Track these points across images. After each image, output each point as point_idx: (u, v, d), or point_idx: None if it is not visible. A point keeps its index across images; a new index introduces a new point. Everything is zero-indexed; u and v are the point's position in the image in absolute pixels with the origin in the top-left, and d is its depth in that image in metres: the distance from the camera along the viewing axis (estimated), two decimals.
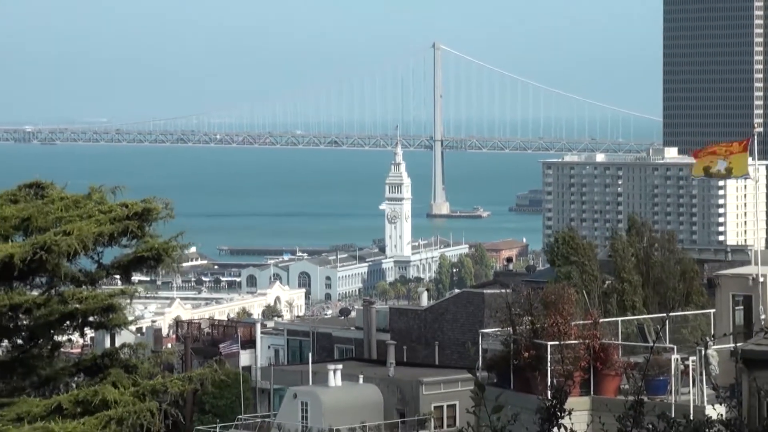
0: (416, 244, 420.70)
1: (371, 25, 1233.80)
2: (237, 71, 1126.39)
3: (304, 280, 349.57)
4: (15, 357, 25.35)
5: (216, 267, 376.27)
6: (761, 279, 47.02)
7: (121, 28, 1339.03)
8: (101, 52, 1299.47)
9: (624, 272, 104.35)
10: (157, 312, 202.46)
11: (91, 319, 25.76)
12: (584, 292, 75.11)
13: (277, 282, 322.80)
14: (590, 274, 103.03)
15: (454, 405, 73.70)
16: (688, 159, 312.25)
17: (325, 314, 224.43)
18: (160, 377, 24.73)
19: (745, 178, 52.32)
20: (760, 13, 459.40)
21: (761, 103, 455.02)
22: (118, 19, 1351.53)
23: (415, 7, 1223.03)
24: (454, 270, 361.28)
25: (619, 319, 53.51)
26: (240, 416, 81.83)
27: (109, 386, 23.71)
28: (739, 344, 40.71)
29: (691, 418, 12.32)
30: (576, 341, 45.36)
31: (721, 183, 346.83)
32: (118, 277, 26.26)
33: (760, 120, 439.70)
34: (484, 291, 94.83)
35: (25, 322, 24.99)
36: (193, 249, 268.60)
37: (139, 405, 23.06)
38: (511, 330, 46.74)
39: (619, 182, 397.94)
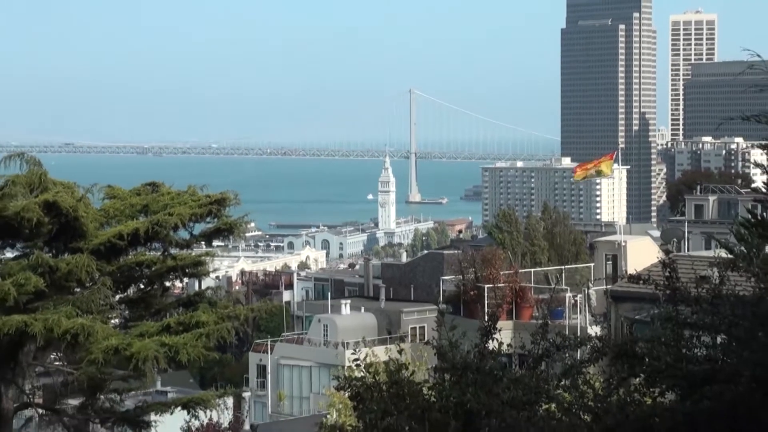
0: (399, 221, 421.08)
1: (368, 76, 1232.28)
2: (277, 107, 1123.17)
3: (325, 245, 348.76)
4: (139, 296, 25.40)
5: (268, 236, 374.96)
6: (623, 244, 47.28)
7: (200, 74, 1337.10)
8: (190, 90, 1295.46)
9: (535, 239, 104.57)
10: (229, 266, 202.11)
11: (187, 270, 25.79)
12: (508, 252, 75.06)
13: (308, 246, 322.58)
14: (516, 240, 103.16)
15: (424, 326, 73.73)
16: (575, 165, 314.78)
17: (339, 267, 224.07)
18: (233, 307, 24.79)
19: (611, 178, 52.95)
20: (622, 68, 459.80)
21: (623, 127, 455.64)
22: (203, 68, 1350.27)
23: (398, 65, 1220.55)
24: (424, 238, 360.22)
25: (532, 270, 53.64)
26: (284, 333, 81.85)
27: (200, 313, 23.78)
28: (608, 286, 40.88)
29: (578, 335, 12.41)
30: (503, 284, 45.52)
31: (598, 181, 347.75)
32: (203, 243, 26.26)
33: (622, 138, 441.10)
34: (444, 252, 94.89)
35: (146, 273, 25.04)
36: (252, 224, 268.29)
37: (220, 324, 23.12)
38: (461, 277, 46.88)
39: (532, 181, 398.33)
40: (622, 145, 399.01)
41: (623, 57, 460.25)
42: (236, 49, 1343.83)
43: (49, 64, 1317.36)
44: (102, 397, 25.23)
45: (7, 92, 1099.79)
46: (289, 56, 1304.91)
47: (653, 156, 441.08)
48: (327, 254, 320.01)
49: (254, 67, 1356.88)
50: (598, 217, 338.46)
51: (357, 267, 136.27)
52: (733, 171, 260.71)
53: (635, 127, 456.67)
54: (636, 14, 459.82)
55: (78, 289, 23.29)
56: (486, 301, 44.31)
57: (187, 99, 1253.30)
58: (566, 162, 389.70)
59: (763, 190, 8.99)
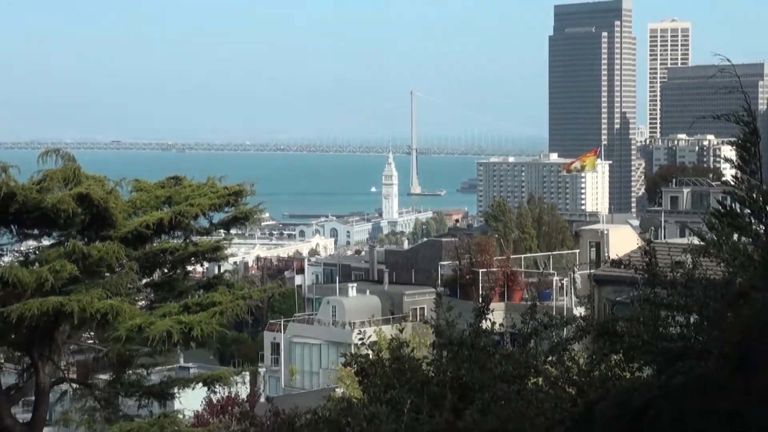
0: (401, 211, 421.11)
1: (375, 78, 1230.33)
2: (287, 108, 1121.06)
3: (334, 233, 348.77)
4: (163, 280, 25.42)
5: (281, 225, 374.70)
6: (606, 232, 47.29)
7: (217, 75, 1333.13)
8: (203, 90, 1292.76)
9: (525, 228, 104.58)
10: (245, 252, 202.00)
11: (206, 256, 25.79)
12: (500, 239, 75.07)
13: (317, 234, 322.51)
14: (509, 228, 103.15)
15: (424, 307, 73.81)
16: (562, 160, 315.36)
17: (346, 254, 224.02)
18: (248, 288, 24.80)
19: (594, 172, 53.00)
20: (605, 71, 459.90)
21: (605, 126, 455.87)
22: (223, 70, 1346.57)
23: (401, 68, 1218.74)
24: (424, 227, 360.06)
25: (522, 256, 53.68)
26: (296, 314, 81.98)
27: (216, 294, 23.78)
28: (592, 270, 40.89)
29: (564, 315, 12.44)
30: (496, 269, 45.55)
31: (583, 175, 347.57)
32: (222, 230, 26.25)
33: (605, 136, 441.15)
34: (442, 239, 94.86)
35: (169, 258, 25.06)
36: (267, 214, 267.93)
37: (234, 303, 23.13)
38: (458, 262, 46.90)
39: (523, 175, 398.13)
40: (604, 142, 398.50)
41: (605, 61, 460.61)
42: (246, 50, 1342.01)
43: (77, 69, 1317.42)
44: (130, 372, 25.32)
45: (50, 93, 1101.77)
46: (298, 58, 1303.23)
47: (633, 152, 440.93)
48: (335, 242, 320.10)
49: (265, 71, 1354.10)
50: (582, 207, 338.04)
51: (363, 253, 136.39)
52: (705, 165, 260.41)
53: (617, 126, 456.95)
54: (617, 22, 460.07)
55: (108, 274, 23.37)
56: (480, 284, 44.36)
57: (201, 98, 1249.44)
58: (554, 157, 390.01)
59: (732, 183, 9.02)
